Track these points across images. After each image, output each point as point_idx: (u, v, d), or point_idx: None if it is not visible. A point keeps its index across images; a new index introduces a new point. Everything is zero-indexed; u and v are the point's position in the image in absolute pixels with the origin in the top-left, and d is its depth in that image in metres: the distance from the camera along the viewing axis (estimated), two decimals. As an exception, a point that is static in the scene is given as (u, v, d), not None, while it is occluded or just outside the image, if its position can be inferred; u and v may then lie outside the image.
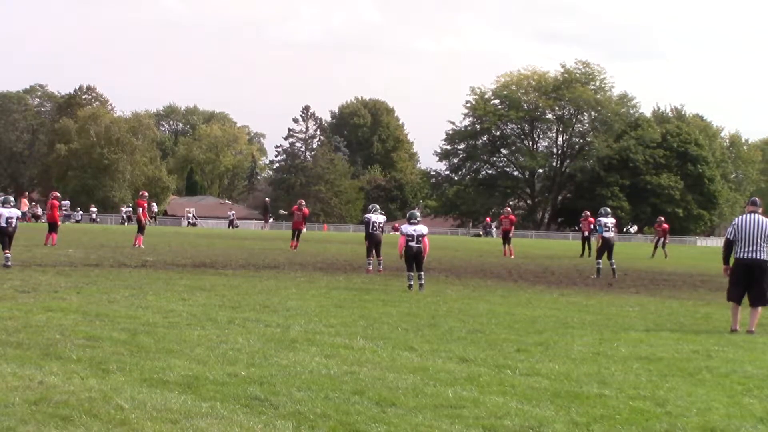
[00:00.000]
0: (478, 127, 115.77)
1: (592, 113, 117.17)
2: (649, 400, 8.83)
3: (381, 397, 8.57)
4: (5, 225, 22.79)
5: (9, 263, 22.05)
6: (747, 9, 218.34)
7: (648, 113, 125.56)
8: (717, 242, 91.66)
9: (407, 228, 20.03)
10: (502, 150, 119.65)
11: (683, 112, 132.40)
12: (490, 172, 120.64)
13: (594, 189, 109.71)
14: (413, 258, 19.86)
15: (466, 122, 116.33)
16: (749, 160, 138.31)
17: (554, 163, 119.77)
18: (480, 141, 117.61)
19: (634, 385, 9.55)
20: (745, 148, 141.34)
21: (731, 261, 14.93)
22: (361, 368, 10.00)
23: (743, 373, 10.37)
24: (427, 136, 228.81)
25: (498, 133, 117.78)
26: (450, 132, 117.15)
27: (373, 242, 25.73)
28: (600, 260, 26.94)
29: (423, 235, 19.86)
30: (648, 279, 26.35)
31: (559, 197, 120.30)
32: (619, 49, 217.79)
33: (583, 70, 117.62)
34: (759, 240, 14.42)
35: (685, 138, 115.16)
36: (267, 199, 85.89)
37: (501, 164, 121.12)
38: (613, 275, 26.20)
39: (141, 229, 33.26)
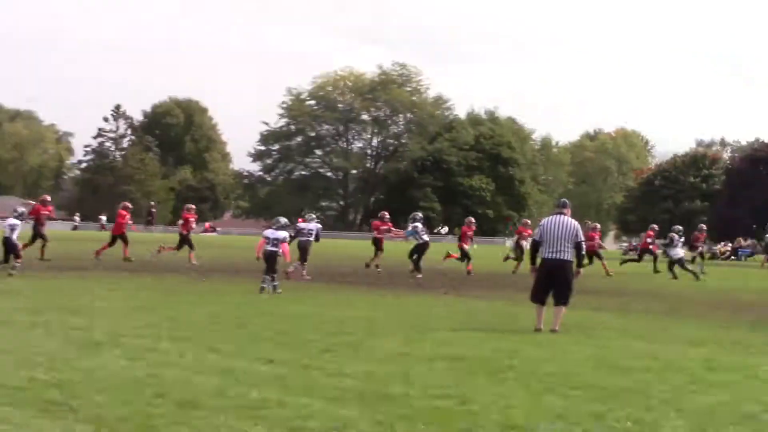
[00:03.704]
0: (293, 127, 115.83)
1: (408, 115, 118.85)
2: (452, 398, 8.87)
3: (184, 399, 8.38)
4: None
5: None
6: (555, 15, 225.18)
7: (462, 115, 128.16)
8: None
9: (267, 231, 20.63)
10: (316, 151, 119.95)
11: (496, 115, 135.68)
12: (303, 173, 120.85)
13: (407, 190, 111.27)
14: (266, 260, 20.06)
15: (282, 123, 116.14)
16: (559, 162, 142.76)
17: (368, 165, 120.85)
18: (294, 142, 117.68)
19: (438, 384, 9.58)
20: (555, 150, 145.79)
21: (538, 261, 15.27)
22: (165, 370, 9.78)
23: (545, 372, 10.54)
24: (242, 137, 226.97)
25: (313, 134, 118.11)
26: (265, 133, 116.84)
27: (299, 248, 25.60)
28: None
29: (279, 240, 20.17)
30: (457, 279, 26.75)
31: (372, 198, 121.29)
32: (435, 51, 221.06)
33: (400, 71, 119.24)
34: (564, 241, 14.76)
35: (498, 140, 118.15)
36: (152, 202, 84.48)
37: (315, 165, 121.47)
38: None
39: None
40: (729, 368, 11.25)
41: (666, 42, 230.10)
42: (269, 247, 20.16)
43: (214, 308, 16.36)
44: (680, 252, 32.38)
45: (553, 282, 14.89)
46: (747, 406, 8.93)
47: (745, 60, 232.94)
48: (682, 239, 32.68)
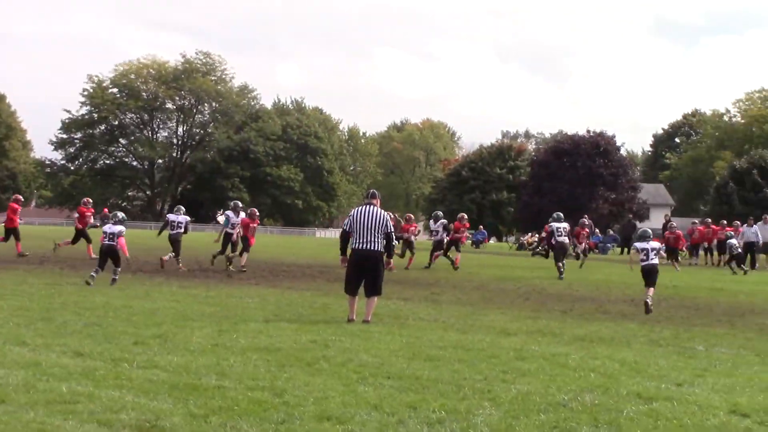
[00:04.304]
0: (96, 116, 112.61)
1: (213, 104, 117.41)
2: (267, 390, 8.82)
3: (-9, 394, 8.05)
4: None
5: None
6: (364, 5, 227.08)
7: (269, 105, 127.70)
8: (335, 234, 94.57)
9: (105, 226, 21.11)
10: (120, 140, 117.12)
11: (303, 105, 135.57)
12: (108, 162, 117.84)
13: (215, 180, 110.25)
14: (104, 254, 20.27)
15: (84, 111, 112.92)
16: (367, 153, 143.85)
17: (174, 154, 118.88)
18: (98, 130, 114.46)
19: (252, 375, 9.51)
20: (362, 141, 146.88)
21: (348, 252, 15.31)
22: (-34, 367, 9.37)
23: (359, 362, 10.58)
24: (43, 124, 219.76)
25: (117, 123, 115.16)
26: (67, 121, 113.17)
27: (170, 241, 26.12)
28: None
29: (115, 234, 20.29)
30: (268, 270, 26.61)
31: (180, 188, 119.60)
32: (239, 40, 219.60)
33: (204, 60, 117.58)
34: (374, 232, 14.86)
35: (305, 131, 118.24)
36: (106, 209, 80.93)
37: (120, 154, 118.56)
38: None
39: None
40: (539, 357, 11.52)
41: (472, 37, 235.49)
42: (107, 242, 20.30)
43: (18, 300, 15.82)
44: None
45: (365, 273, 14.95)
46: (557, 395, 9.15)
47: (546, 56, 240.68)
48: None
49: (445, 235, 31.93)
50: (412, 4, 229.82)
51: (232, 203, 29.01)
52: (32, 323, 12.95)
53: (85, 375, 9.27)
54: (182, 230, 26.25)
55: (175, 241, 26.04)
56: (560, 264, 28.00)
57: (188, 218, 27.43)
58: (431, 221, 33.49)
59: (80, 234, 29.66)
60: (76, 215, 31.25)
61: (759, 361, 12.11)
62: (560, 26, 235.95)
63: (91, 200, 32.41)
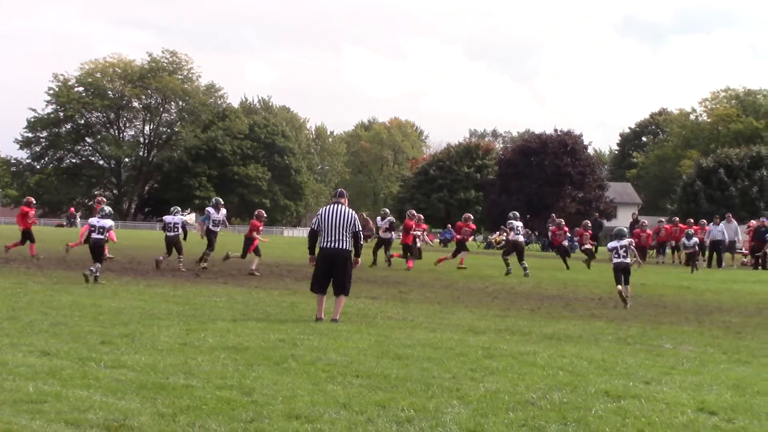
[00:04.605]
0: (61, 114, 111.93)
1: (180, 103, 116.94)
2: (235, 389, 8.80)
3: (-45, 395, 7.98)
4: None
5: None
6: (330, 4, 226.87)
7: (236, 104, 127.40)
8: (303, 233, 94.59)
9: (92, 220, 21.53)
10: (87, 139, 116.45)
11: (270, 104, 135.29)
12: (74, 161, 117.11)
13: (182, 179, 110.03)
14: (91, 248, 20.77)
15: (50, 110, 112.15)
16: (335, 152, 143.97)
17: (141, 153, 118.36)
18: (64, 129, 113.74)
19: (220, 374, 9.48)
20: (330, 140, 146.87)
21: (317, 251, 15.29)
22: (-72, 369, 9.27)
23: (327, 361, 10.56)
24: (8, 123, 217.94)
25: (83, 122, 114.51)
26: (32, 119, 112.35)
27: (169, 243, 25.93)
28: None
29: (105, 228, 20.88)
30: (235, 269, 26.51)
31: (147, 187, 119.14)
32: (206, 38, 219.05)
33: (170, 59, 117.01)
34: (343, 230, 14.88)
35: (273, 129, 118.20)
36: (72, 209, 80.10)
37: (86, 153, 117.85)
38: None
39: None
40: (508, 355, 11.53)
41: (440, 35, 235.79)
42: (95, 235, 20.78)
43: (-19, 300, 15.65)
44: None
45: (333, 272, 14.94)
46: (526, 393, 9.16)
47: (513, 55, 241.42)
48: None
49: (392, 234, 32.31)
50: (381, 2, 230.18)
51: (213, 199, 28.92)
52: (-3, 323, 12.83)
53: (52, 374, 9.21)
54: (179, 231, 26.20)
55: (176, 243, 26.01)
56: (506, 258, 29.63)
57: (185, 219, 27.60)
58: (378, 218, 33.62)
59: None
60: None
61: (726, 358, 12.18)
62: (528, 24, 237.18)
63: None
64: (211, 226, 27.18)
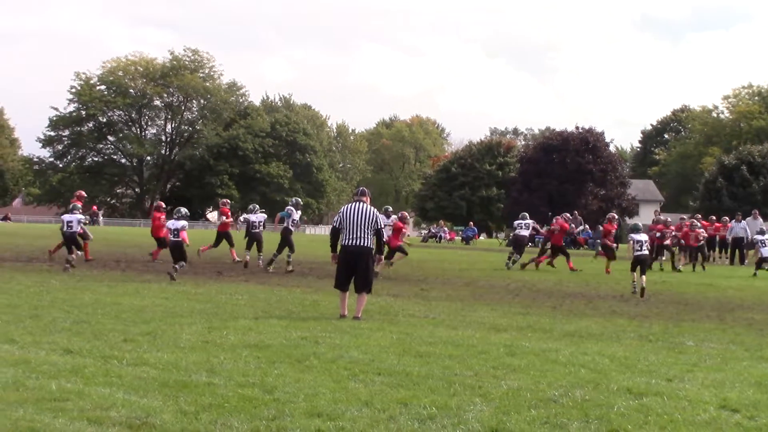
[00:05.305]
0: (83, 113, 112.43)
1: (201, 101, 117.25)
2: (257, 387, 8.80)
3: (-21, 392, 8.03)
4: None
5: None
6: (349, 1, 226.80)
7: (257, 102, 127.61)
8: (325, 230, 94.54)
9: (169, 222, 22.40)
10: (109, 137, 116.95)
11: (292, 102, 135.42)
12: (96, 159, 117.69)
13: (203, 177, 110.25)
14: (171, 250, 21.69)
15: (71, 108, 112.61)
16: (356, 150, 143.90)
17: (163, 151, 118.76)
18: (86, 127, 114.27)
19: (242, 372, 9.49)
20: (351, 137, 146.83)
21: (339, 248, 15.30)
22: (-45, 365, 9.34)
23: (349, 358, 10.56)
24: (31, 121, 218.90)
25: (105, 120, 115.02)
26: (54, 118, 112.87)
27: (252, 240, 27.23)
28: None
29: (179, 230, 21.43)
30: (257, 267, 26.53)
31: (168, 185, 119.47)
32: (227, 36, 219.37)
33: (192, 57, 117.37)
34: (364, 228, 14.88)
35: (294, 127, 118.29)
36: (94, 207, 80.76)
37: (108, 151, 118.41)
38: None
39: None
40: (530, 353, 11.50)
41: (459, 33, 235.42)
42: (172, 238, 21.65)
43: (7, 298, 15.79)
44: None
45: (355, 269, 14.95)
46: (548, 390, 9.13)
47: (532, 52, 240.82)
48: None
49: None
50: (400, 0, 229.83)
51: (294, 199, 28.68)
52: (21, 321, 12.91)
53: (75, 372, 9.23)
54: (261, 228, 27.49)
55: (258, 240, 27.14)
56: (515, 255, 30.50)
57: (265, 216, 28.68)
58: (383, 216, 33.40)
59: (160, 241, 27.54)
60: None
61: (748, 356, 12.12)
62: (547, 22, 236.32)
63: (163, 204, 32.22)
64: (290, 226, 26.93)
